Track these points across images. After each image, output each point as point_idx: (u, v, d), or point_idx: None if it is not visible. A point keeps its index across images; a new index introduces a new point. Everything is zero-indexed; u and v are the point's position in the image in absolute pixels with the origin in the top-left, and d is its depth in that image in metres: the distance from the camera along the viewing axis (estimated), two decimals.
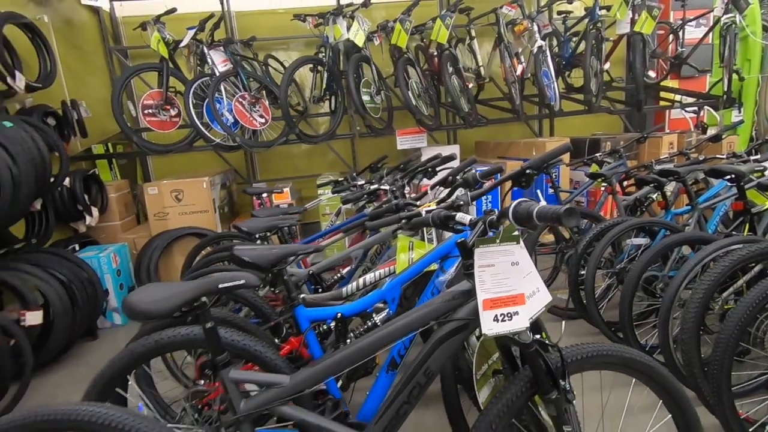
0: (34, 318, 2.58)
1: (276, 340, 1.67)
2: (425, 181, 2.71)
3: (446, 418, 1.59)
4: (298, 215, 2.23)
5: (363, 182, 2.94)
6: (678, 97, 4.79)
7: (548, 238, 3.62)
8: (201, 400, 1.61)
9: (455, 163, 2.69)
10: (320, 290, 2.06)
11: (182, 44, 3.72)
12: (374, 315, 1.48)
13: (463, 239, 1.03)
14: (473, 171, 1.76)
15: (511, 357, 1.09)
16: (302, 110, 4.46)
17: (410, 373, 1.02)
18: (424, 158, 2.64)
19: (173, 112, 3.87)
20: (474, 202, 1.52)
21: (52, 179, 2.94)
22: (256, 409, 1.01)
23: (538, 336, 1.03)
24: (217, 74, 3.75)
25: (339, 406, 1.28)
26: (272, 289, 1.76)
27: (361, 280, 1.70)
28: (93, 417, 0.99)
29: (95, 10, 4.47)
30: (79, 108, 3.66)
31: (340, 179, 3.59)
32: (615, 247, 2.77)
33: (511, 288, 1.00)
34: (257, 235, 2.02)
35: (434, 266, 1.57)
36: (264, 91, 3.99)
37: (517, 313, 0.99)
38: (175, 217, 3.82)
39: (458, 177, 2.01)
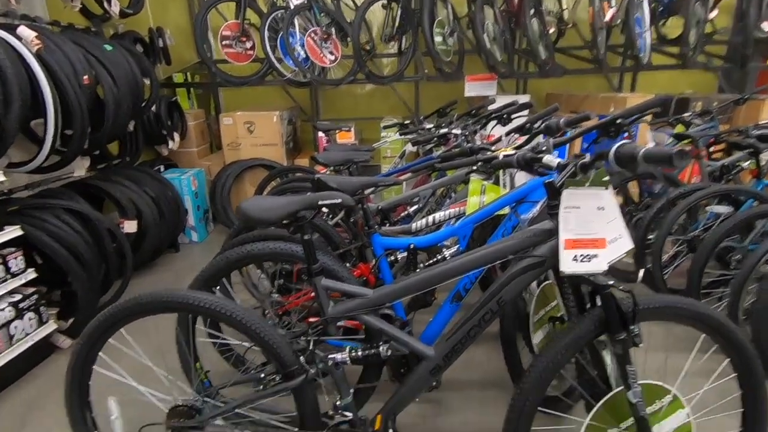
0: (130, 226, 2.92)
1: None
2: (496, 130, 2.66)
3: (495, 355, 1.69)
4: (371, 152, 2.30)
5: (431, 126, 2.93)
6: None
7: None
8: (280, 308, 1.82)
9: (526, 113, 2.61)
10: (387, 226, 2.16)
11: None
12: (444, 250, 1.56)
13: (551, 180, 1.05)
14: (556, 118, 1.72)
15: (581, 297, 1.14)
16: (370, 49, 4.40)
17: (484, 300, 1.11)
18: (497, 106, 2.58)
19: (248, 45, 3.96)
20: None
21: (143, 103, 3.18)
22: (343, 314, 1.14)
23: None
24: (292, 7, 3.75)
25: (405, 328, 1.40)
26: (346, 219, 1.88)
27: (430, 218, 1.77)
28: (207, 303, 1.18)
29: None
30: (165, 35, 3.83)
31: (405, 122, 3.59)
32: (690, 214, 2.64)
33: (594, 231, 1.02)
34: (331, 167, 2.13)
35: (506, 210, 1.61)
36: (334, 28, 3.96)
37: (596, 255, 1.03)
38: (247, 148, 4.03)
39: (536, 125, 1.97)
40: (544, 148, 1.40)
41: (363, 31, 4.31)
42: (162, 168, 3.80)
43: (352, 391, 1.22)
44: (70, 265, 2.17)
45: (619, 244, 1.05)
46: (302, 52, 3.84)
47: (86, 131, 2.44)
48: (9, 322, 1.96)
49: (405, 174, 2.36)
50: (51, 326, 2.18)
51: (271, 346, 1.17)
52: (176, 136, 3.89)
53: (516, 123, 2.21)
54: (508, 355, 1.68)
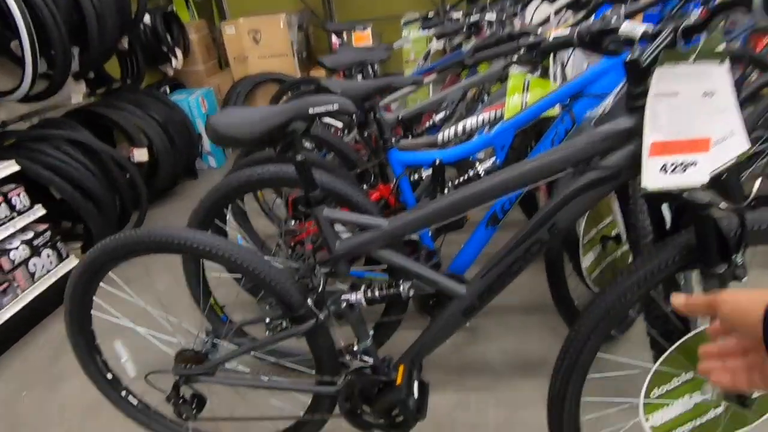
0: (141, 155, 2.76)
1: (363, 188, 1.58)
2: (540, 12, 2.18)
3: (538, 276, 1.48)
4: (388, 51, 1.92)
5: (459, 16, 2.46)
6: None
7: None
8: (293, 238, 1.65)
9: None
10: (410, 138, 1.87)
11: None
12: (477, 165, 1.29)
13: (635, 58, 0.73)
14: None
15: (660, 218, 0.87)
16: None
17: (532, 228, 0.86)
18: None
19: None
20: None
21: (133, 16, 2.83)
22: (352, 251, 0.94)
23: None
24: None
25: (432, 258, 1.20)
26: (360, 133, 1.61)
27: (459, 126, 1.47)
28: (193, 242, 1.00)
29: None
30: None
31: (429, 15, 3.08)
32: None
33: (695, 128, 0.72)
34: (341, 72, 1.80)
35: (555, 110, 1.28)
36: None
37: (694, 163, 0.73)
38: (255, 62, 3.66)
39: None
40: (614, 18, 1.03)
41: None
42: (167, 90, 3.53)
43: (371, 332, 1.05)
44: (75, 199, 2.07)
45: (728, 144, 0.74)
46: None
47: (68, 49, 2.18)
48: (26, 260, 1.92)
49: (429, 75, 2.00)
50: (72, 261, 2.15)
51: (274, 288, 1.00)
52: (178, 52, 3.55)
53: None
54: (553, 279, 1.47)
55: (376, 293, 1.00)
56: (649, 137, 0.72)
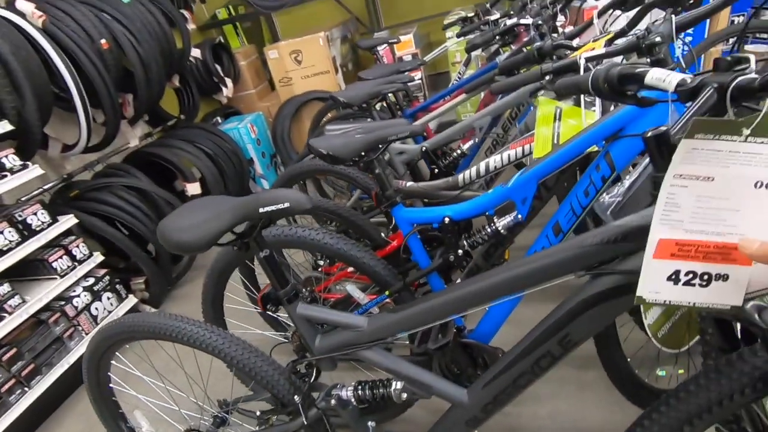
0: (194, 189, 2.90)
1: (383, 234, 1.46)
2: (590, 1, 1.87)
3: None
4: (413, 72, 1.77)
5: (498, 16, 2.21)
6: None
7: None
8: (315, 287, 1.58)
9: None
10: (437, 171, 1.70)
11: None
12: (496, 219, 1.10)
13: (659, 130, 0.52)
14: None
15: (729, 329, 0.64)
16: None
17: (539, 337, 0.68)
18: None
19: None
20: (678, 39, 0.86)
21: (180, 56, 2.96)
22: (332, 353, 0.83)
23: None
24: None
25: (448, 328, 1.04)
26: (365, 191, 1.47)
27: (483, 165, 1.28)
28: (185, 333, 0.96)
29: None
30: None
31: (470, 15, 2.83)
32: None
33: (735, 228, 0.50)
34: (357, 107, 1.68)
35: (594, 148, 1.05)
36: None
37: (724, 277, 0.51)
38: (299, 82, 3.67)
39: None
40: (657, 40, 0.81)
41: None
42: (219, 119, 3.68)
43: (372, 425, 0.94)
44: (128, 246, 2.20)
45: None
46: None
47: (115, 102, 2.32)
48: (89, 305, 2.08)
49: (457, 97, 1.80)
50: (131, 301, 2.29)
51: (260, 381, 0.92)
52: (228, 81, 3.68)
53: None
54: (604, 345, 1.23)
55: (367, 392, 0.87)
56: (657, 232, 0.51)
